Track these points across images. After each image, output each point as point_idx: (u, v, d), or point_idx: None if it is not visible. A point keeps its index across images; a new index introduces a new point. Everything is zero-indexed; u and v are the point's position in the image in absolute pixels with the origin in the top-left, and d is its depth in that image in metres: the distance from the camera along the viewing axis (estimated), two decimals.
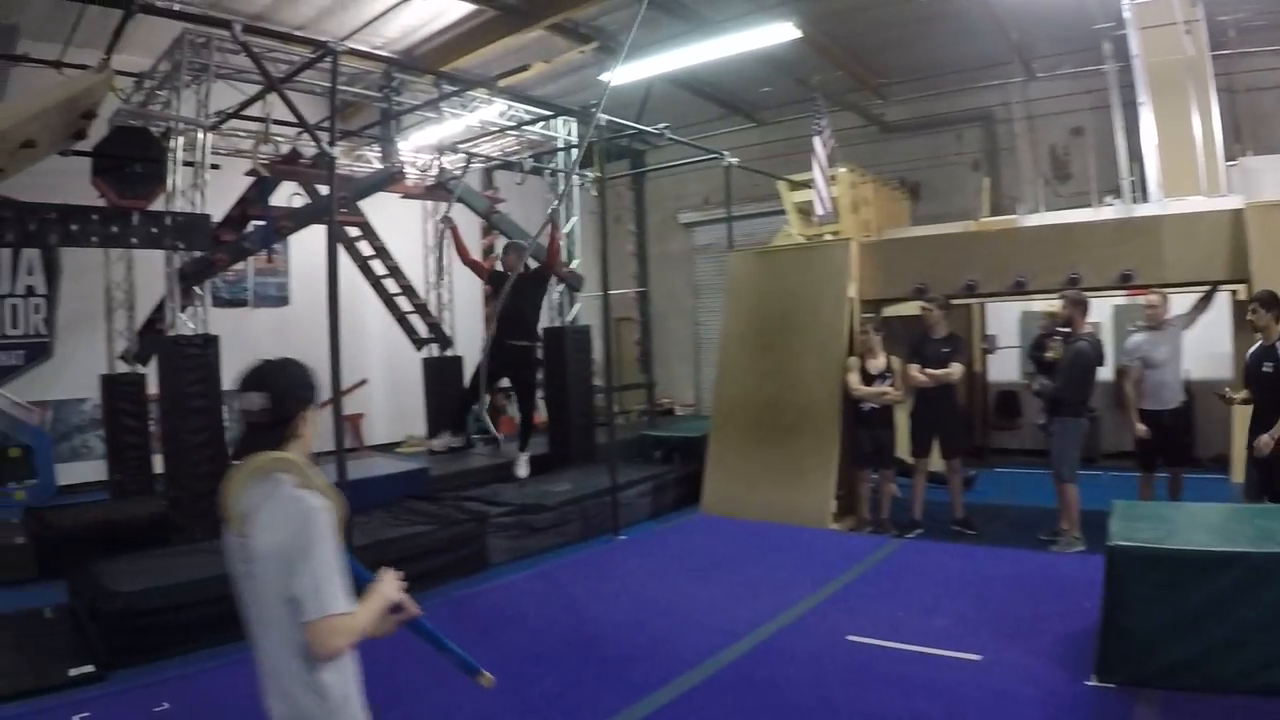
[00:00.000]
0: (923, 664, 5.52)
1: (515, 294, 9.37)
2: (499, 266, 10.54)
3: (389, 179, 11.43)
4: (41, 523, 9.38)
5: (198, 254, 9.15)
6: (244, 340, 14.74)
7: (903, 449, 9.76)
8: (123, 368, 12.17)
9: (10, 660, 6.22)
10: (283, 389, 2.72)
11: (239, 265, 14.83)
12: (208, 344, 8.98)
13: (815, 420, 9.84)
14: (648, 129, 11.36)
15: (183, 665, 6.22)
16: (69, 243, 8.59)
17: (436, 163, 12.80)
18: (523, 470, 10.22)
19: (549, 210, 10.66)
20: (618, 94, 13.19)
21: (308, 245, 14.27)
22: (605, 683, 5.55)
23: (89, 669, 6.06)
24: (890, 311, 10.86)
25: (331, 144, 7.31)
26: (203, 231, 9.08)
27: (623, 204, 19.83)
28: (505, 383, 11.42)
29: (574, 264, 13.39)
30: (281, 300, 16.53)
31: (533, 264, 10.34)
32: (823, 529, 9.29)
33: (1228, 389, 7.64)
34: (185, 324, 9.15)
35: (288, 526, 2.47)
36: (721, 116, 17.68)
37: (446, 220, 10.41)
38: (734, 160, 13.05)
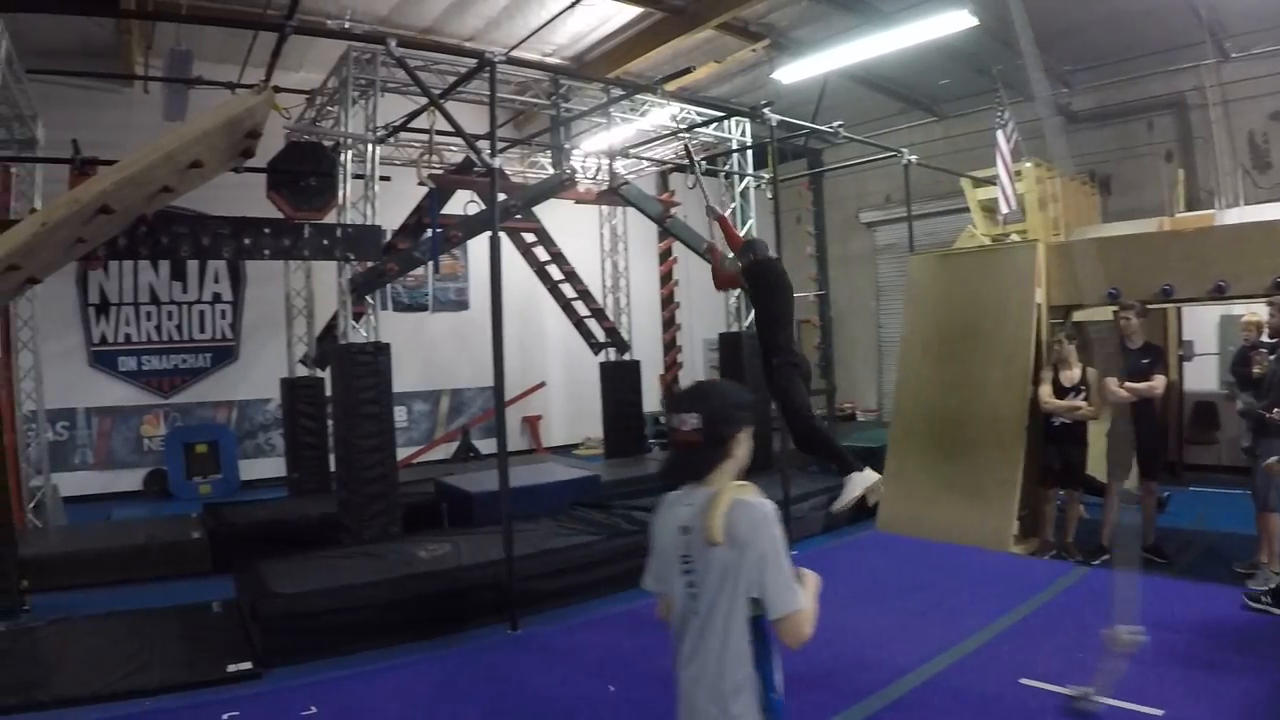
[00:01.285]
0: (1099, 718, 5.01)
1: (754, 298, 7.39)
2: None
3: (560, 185, 11.40)
4: (218, 519, 9.76)
5: (369, 264, 9.29)
6: (424, 344, 15.63)
7: (1094, 467, 8.99)
8: (302, 371, 12.64)
9: (174, 652, 6.40)
10: (714, 411, 2.74)
11: (418, 271, 15.21)
12: (379, 351, 9.10)
13: (999, 435, 9.14)
14: (821, 128, 10.94)
15: (336, 668, 6.24)
16: (242, 256, 8.85)
17: (608, 167, 12.65)
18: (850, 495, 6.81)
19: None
20: (793, 92, 12.97)
21: (487, 252, 14.46)
22: None
23: (246, 666, 6.16)
24: (1080, 316, 10.04)
25: (492, 155, 7.26)
26: (373, 242, 9.20)
27: (801, 204, 19.34)
28: None
29: None
30: (461, 305, 16.94)
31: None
32: (1002, 552, 8.61)
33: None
34: (358, 332, 9.32)
35: (750, 531, 2.61)
36: (901, 111, 17.12)
37: (711, 211, 9.46)
38: (913, 158, 12.40)
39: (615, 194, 12.31)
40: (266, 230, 8.57)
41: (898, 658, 6.01)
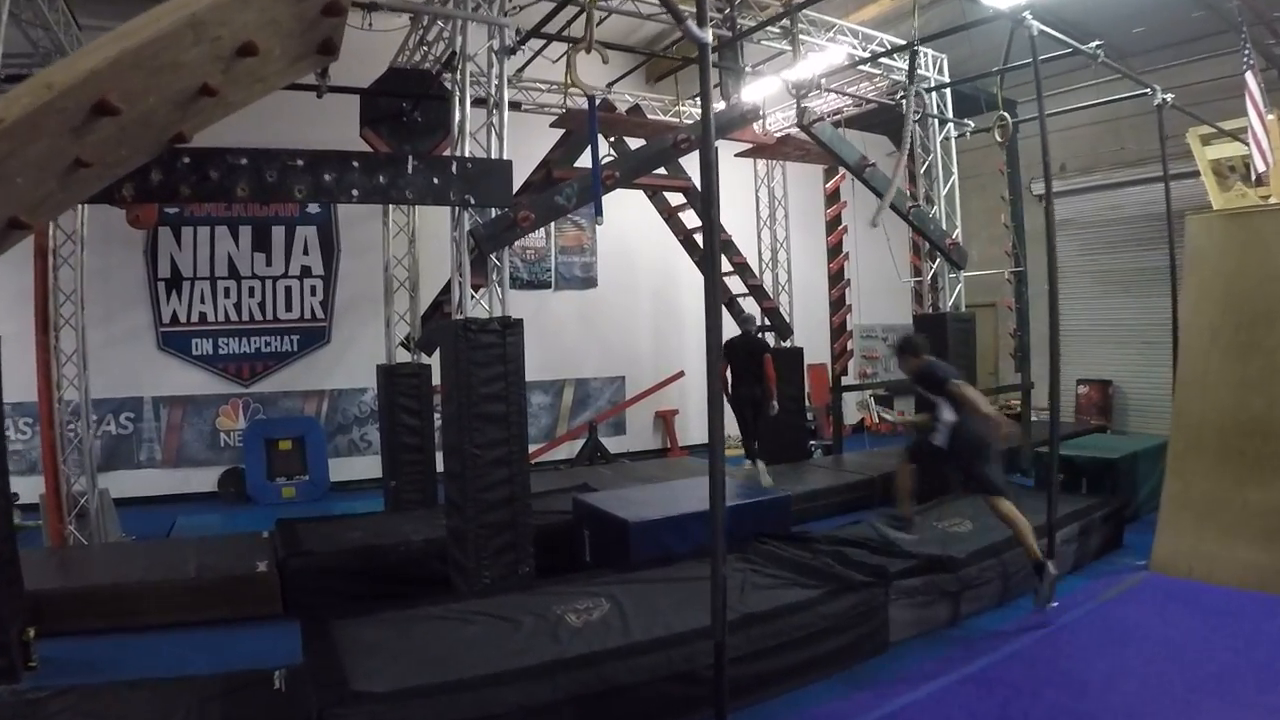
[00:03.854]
0: None
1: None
2: None
3: (741, 120, 9.14)
4: (292, 544, 7.68)
5: (495, 212, 7.08)
6: (545, 327, 14.01)
7: None
8: (404, 356, 10.94)
9: None
10: None
11: (538, 241, 14.07)
12: (508, 330, 6.84)
13: None
14: (1082, 47, 8.70)
15: None
16: (321, 196, 6.72)
17: (796, 102, 10.21)
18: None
19: None
20: (976, 36, 10.96)
21: (617, 221, 13.07)
22: None
23: None
24: None
25: (701, 25, 4.88)
26: (501, 182, 6.99)
27: (980, 167, 16.91)
28: None
29: (955, 235, 10.78)
30: (588, 282, 15.44)
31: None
32: None
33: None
34: (479, 305, 7.09)
35: None
36: (1086, 66, 14.74)
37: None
38: (1167, 97, 10.22)
39: (806, 135, 9.90)
40: (355, 164, 6.45)
41: None
